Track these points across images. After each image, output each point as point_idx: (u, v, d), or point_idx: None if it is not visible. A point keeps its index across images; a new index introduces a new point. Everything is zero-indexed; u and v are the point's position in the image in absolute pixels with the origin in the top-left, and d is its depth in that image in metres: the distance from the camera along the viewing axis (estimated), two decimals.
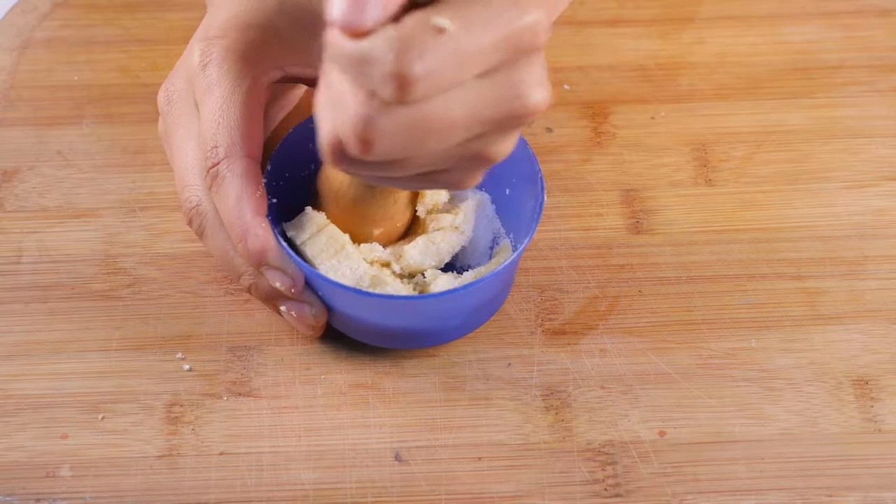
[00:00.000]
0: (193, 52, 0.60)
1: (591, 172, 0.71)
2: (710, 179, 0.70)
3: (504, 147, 0.48)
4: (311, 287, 0.60)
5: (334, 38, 0.43)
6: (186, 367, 0.63)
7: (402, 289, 0.61)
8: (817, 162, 0.71)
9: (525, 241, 0.59)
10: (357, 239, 0.61)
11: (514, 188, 0.63)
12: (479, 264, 0.63)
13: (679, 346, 0.63)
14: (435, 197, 0.63)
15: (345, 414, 0.61)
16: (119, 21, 0.79)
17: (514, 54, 0.44)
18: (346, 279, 0.59)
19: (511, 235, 0.64)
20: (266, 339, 0.64)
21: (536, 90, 0.46)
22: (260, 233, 0.58)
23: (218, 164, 0.58)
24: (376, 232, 0.61)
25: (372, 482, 0.59)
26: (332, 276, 0.59)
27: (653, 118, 0.73)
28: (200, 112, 0.60)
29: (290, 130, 0.63)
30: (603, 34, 0.78)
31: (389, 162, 0.46)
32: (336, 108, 0.45)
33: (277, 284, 0.59)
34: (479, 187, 0.65)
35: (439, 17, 0.42)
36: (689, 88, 0.75)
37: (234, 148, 0.58)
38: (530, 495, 0.58)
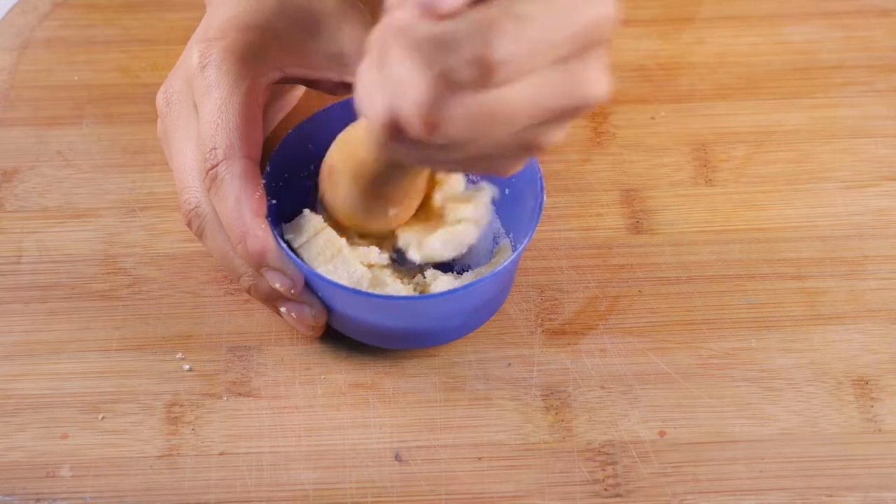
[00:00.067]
0: (192, 54, 0.60)
1: (591, 172, 0.71)
2: (710, 179, 0.70)
3: (556, 137, 0.48)
4: (311, 288, 0.60)
5: (407, 19, 0.43)
6: (186, 367, 0.63)
7: (402, 289, 0.61)
8: (817, 162, 0.71)
9: (525, 241, 0.59)
10: (370, 220, 0.60)
11: (514, 188, 0.63)
12: (479, 264, 0.63)
13: (679, 346, 0.63)
14: (455, 186, 0.62)
15: (345, 414, 0.61)
16: (119, 21, 0.79)
17: (585, 45, 0.45)
18: (343, 282, 0.59)
19: (511, 235, 0.64)
20: (266, 339, 0.64)
21: (601, 82, 0.46)
22: (259, 234, 0.58)
23: (217, 165, 0.58)
24: (391, 212, 0.59)
25: (372, 482, 0.59)
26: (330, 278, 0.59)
27: (653, 118, 0.73)
28: (199, 113, 0.60)
29: (290, 131, 0.63)
30: None
31: (446, 145, 0.46)
32: (397, 89, 0.45)
33: (277, 285, 0.59)
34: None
35: (523, 4, 0.43)
36: (689, 88, 0.75)
37: (232, 149, 0.58)
38: (530, 495, 0.58)
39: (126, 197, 0.70)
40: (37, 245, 0.68)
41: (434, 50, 0.43)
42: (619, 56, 0.76)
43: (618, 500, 0.58)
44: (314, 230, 0.60)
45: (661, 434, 0.60)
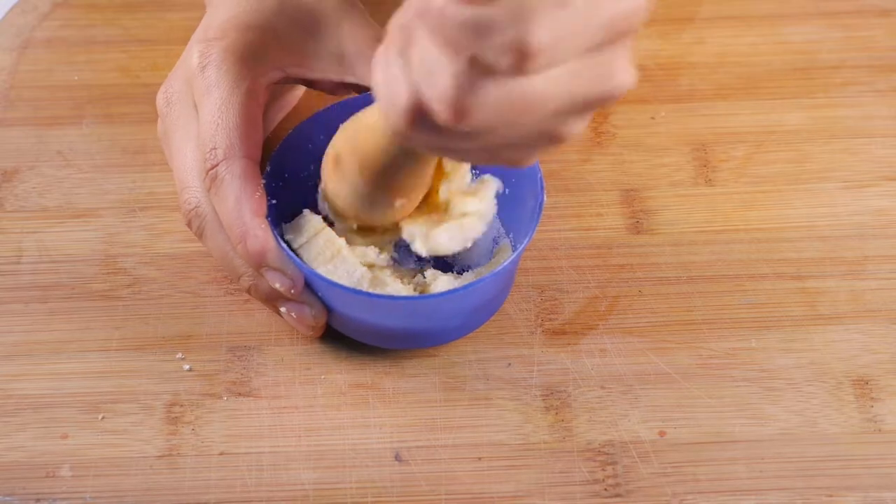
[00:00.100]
0: (192, 54, 0.60)
1: (591, 172, 0.71)
2: (710, 179, 0.70)
3: (578, 128, 0.47)
4: (311, 288, 0.60)
5: (436, 3, 0.42)
6: (186, 367, 0.63)
7: (402, 289, 0.61)
8: (817, 162, 0.71)
9: (525, 241, 0.59)
10: (374, 211, 0.59)
11: (514, 188, 0.62)
12: (479, 264, 0.63)
13: (679, 346, 0.63)
14: (463, 179, 0.61)
15: (345, 414, 0.61)
16: (119, 21, 0.79)
17: (617, 35, 0.44)
18: (343, 282, 0.59)
19: (511, 235, 0.64)
20: (266, 339, 0.64)
21: (628, 72, 0.45)
22: (259, 234, 0.58)
23: (217, 165, 0.58)
24: (397, 203, 0.59)
25: (372, 482, 0.59)
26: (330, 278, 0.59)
27: (653, 118, 0.73)
28: (199, 113, 0.60)
29: (290, 131, 0.63)
30: None
31: (468, 133, 0.45)
32: (423, 75, 0.44)
33: (277, 285, 0.59)
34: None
35: None
36: (689, 88, 0.75)
37: (232, 149, 0.58)
38: (530, 495, 0.58)
39: (126, 197, 0.70)
40: (37, 245, 0.68)
41: (467, 35, 0.42)
42: None
43: (618, 500, 0.58)
44: (314, 230, 0.60)
45: (661, 434, 0.60)
